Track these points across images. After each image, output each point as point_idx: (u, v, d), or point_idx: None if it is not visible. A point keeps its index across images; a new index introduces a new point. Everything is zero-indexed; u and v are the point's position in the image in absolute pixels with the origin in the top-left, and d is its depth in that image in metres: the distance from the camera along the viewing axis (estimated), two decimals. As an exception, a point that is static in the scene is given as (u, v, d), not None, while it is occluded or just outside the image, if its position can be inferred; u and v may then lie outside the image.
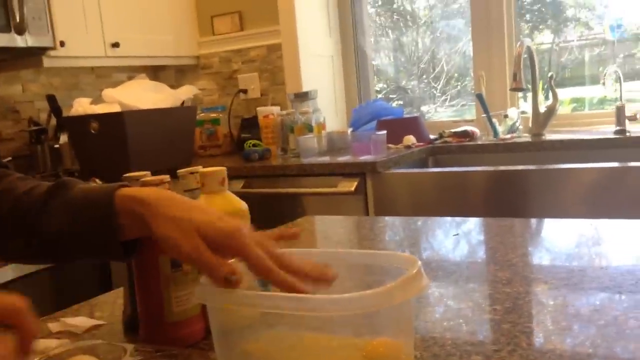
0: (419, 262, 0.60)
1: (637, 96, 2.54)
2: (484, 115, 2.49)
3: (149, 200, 0.63)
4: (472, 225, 1.25)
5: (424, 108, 3.23)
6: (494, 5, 2.69)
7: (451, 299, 0.81)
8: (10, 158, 2.50)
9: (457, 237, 1.16)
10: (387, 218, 1.40)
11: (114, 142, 2.35)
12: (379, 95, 3.24)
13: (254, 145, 2.68)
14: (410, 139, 2.43)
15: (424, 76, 3.27)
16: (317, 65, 2.97)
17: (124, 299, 0.79)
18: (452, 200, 2.04)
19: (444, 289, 0.85)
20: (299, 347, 0.61)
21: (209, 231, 0.60)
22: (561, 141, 2.31)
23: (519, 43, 2.37)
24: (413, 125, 2.52)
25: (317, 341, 0.63)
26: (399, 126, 2.48)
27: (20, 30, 2.23)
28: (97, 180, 2.23)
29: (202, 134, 2.98)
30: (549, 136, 2.39)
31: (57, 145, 2.57)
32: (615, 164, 1.88)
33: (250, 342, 0.63)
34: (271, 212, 2.25)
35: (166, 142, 2.48)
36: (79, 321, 0.80)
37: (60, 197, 0.67)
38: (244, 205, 0.79)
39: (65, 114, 2.55)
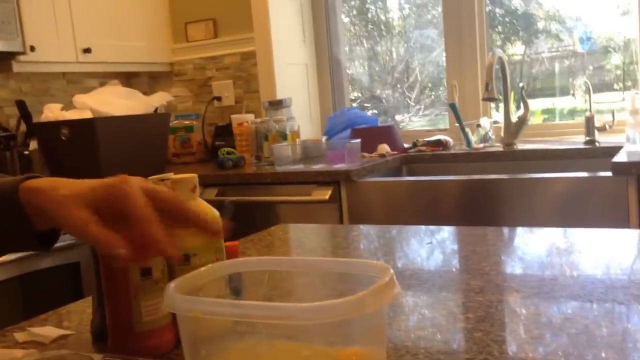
0: (391, 270, 0.60)
1: (606, 107, 2.59)
2: (457, 124, 2.52)
3: (42, 189, 0.62)
4: (446, 233, 1.25)
5: (398, 117, 3.25)
6: (465, 16, 2.72)
7: (424, 308, 0.81)
8: (-24, 164, 2.45)
9: (431, 246, 1.17)
10: (361, 226, 1.40)
11: (85, 149, 2.31)
12: (354, 104, 3.25)
13: (228, 153, 2.66)
14: (384, 148, 2.44)
15: (398, 85, 3.30)
16: (291, 73, 2.97)
17: (93, 307, 0.77)
18: (426, 209, 2.05)
19: (417, 298, 0.85)
20: (271, 357, 0.60)
21: (95, 195, 0.59)
22: (533, 151, 2.34)
23: (490, 54, 2.40)
24: (387, 133, 2.53)
25: (289, 350, 0.62)
26: (373, 135, 2.49)
27: (-11, 35, 2.19)
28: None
29: (176, 141, 2.95)
30: (521, 146, 2.43)
31: (26, 152, 2.52)
32: (585, 174, 1.91)
33: (221, 352, 0.62)
34: (245, 220, 2.24)
35: (139, 149, 2.45)
36: (46, 331, 0.78)
37: None
38: (215, 212, 0.78)
39: (35, 120, 2.51)
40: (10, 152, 2.52)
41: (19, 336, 0.78)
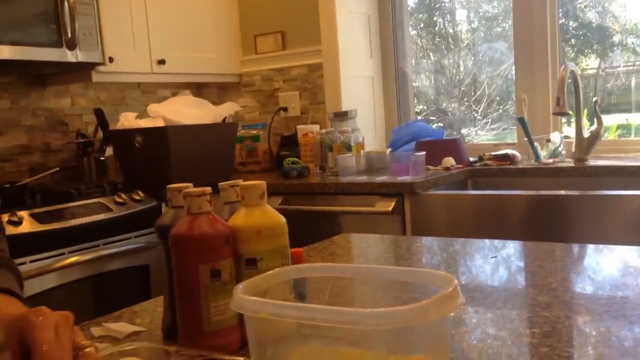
0: (455, 281, 0.60)
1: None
2: (526, 139, 2.46)
3: None
4: (511, 248, 1.23)
5: (464, 131, 3.21)
6: (537, 29, 2.67)
7: (488, 321, 0.80)
8: (58, 169, 2.58)
9: (496, 260, 1.15)
10: (424, 238, 1.39)
11: (157, 156, 2.40)
12: (419, 117, 3.23)
13: (292, 162, 2.70)
14: (449, 161, 2.42)
15: (465, 99, 3.26)
16: (357, 85, 2.99)
17: (164, 306, 0.80)
18: (491, 224, 2.01)
19: (481, 311, 0.84)
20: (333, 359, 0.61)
21: (7, 326, 0.57)
22: (606, 167, 2.26)
23: (562, 67, 2.34)
24: (453, 147, 2.51)
25: (351, 356, 0.63)
26: (439, 147, 2.47)
27: (71, 46, 2.31)
28: (140, 192, 2.28)
29: (242, 150, 3.02)
30: (593, 162, 2.35)
31: (102, 158, 2.64)
32: (661, 192, 1.83)
33: (286, 354, 0.63)
34: (308, 229, 2.26)
35: (207, 157, 2.52)
36: (120, 326, 0.82)
37: None
38: (282, 219, 0.80)
39: (111, 127, 2.62)
40: (88, 158, 2.64)
41: (95, 331, 0.82)
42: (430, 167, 2.40)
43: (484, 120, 3.20)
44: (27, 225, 1.94)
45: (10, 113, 2.55)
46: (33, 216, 1.98)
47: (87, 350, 0.57)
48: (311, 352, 0.64)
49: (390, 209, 2.13)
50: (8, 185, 2.28)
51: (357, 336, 0.61)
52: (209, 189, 0.77)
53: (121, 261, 2.19)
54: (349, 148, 2.55)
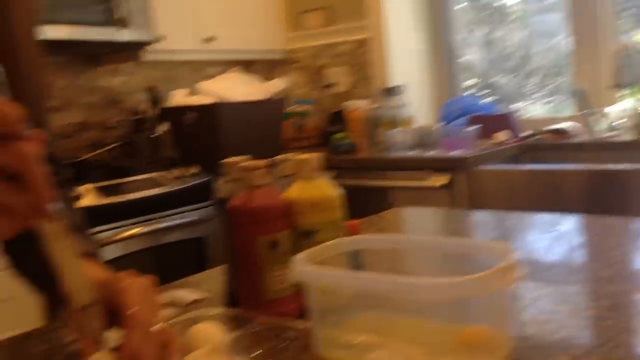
0: (516, 253, 0.59)
1: None
2: (582, 112, 2.39)
3: None
4: (570, 222, 1.21)
5: (515, 105, 3.14)
6: (593, 1, 2.57)
7: (547, 296, 0.79)
8: (115, 145, 2.66)
9: (554, 234, 1.13)
10: (478, 212, 1.38)
11: (208, 132, 2.44)
12: (469, 91, 3.18)
13: (341, 138, 2.70)
14: (502, 135, 2.38)
15: (517, 72, 3.18)
16: (405, 60, 2.95)
17: (225, 276, 0.82)
18: (546, 199, 1.97)
19: (540, 286, 0.83)
20: (395, 330, 0.62)
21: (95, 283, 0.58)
22: (665, 141, 2.18)
23: (620, 39, 2.25)
24: (506, 121, 2.46)
25: (410, 325, 0.64)
26: (491, 122, 2.43)
27: (123, 25, 2.36)
28: (193, 167, 2.33)
29: (291, 127, 3.03)
30: (653, 135, 2.27)
31: (156, 134, 2.70)
32: None
33: (345, 322, 0.64)
34: (357, 205, 2.26)
35: (256, 133, 2.55)
36: (184, 294, 0.84)
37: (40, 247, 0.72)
38: (337, 191, 0.80)
39: (163, 105, 2.67)
40: (142, 135, 2.71)
41: (160, 298, 0.85)
42: (482, 141, 2.37)
43: (537, 94, 3.12)
44: (89, 199, 2.01)
45: (68, 91, 2.63)
46: (96, 190, 2.05)
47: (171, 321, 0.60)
48: (370, 321, 0.65)
49: (442, 184, 2.12)
50: (69, 161, 2.37)
51: (417, 306, 0.62)
52: (265, 162, 0.78)
53: (178, 234, 2.25)
54: (397, 123, 2.53)
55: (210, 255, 2.32)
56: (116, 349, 0.54)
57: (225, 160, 0.84)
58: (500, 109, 2.91)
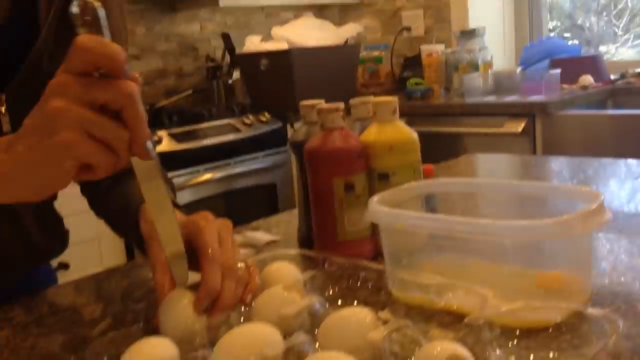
0: (602, 196, 0.57)
1: None
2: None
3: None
4: (657, 170, 1.14)
5: (602, 47, 2.97)
6: None
7: (627, 247, 0.76)
8: (191, 91, 2.72)
9: (637, 183, 1.08)
10: (557, 158, 1.33)
11: (281, 78, 2.45)
12: (552, 33, 3.02)
13: (416, 84, 2.65)
14: (587, 79, 2.26)
15: (604, 13, 2.99)
16: (485, 1, 2.83)
17: (299, 218, 0.84)
18: (632, 147, 1.88)
19: (618, 238, 0.80)
20: (469, 273, 0.62)
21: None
22: None
23: None
24: (591, 64, 2.34)
25: (486, 268, 0.63)
26: (575, 65, 2.31)
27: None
28: (266, 114, 2.36)
29: (364, 72, 3.00)
30: None
31: (230, 81, 2.74)
32: None
33: (420, 264, 0.65)
34: (431, 152, 2.23)
35: (330, 79, 2.54)
36: (259, 235, 0.87)
37: (118, 190, 0.75)
38: (414, 135, 0.79)
39: (238, 51, 2.69)
40: (217, 81, 2.75)
41: (236, 239, 0.88)
42: (565, 86, 2.26)
43: (626, 36, 2.93)
44: (166, 145, 2.08)
45: (146, 39, 2.69)
46: (171, 136, 2.12)
47: (249, 259, 0.62)
48: (445, 264, 0.65)
49: (519, 130, 2.05)
50: (147, 107, 2.44)
51: (493, 249, 0.61)
52: (342, 105, 0.78)
53: (250, 179, 2.30)
54: (475, 67, 2.45)
55: (280, 201, 2.36)
56: (195, 287, 0.57)
57: (302, 103, 0.84)
58: (586, 52, 2.76)
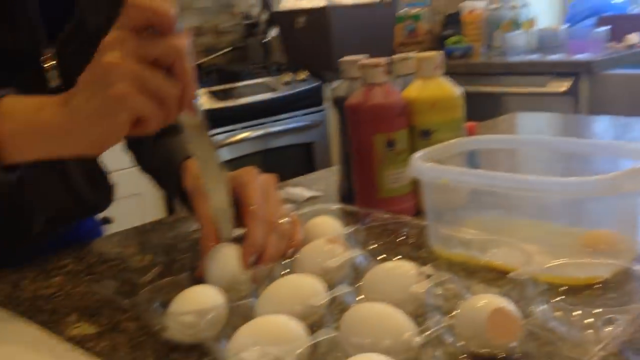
0: (653, 154, 0.56)
1: None
2: None
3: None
4: None
5: (653, 4, 2.85)
6: None
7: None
8: (228, 49, 2.71)
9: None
10: (603, 118, 1.29)
11: (318, 37, 2.42)
12: (600, -11, 2.91)
13: (456, 42, 2.59)
14: (634, 38, 2.19)
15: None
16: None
17: (340, 174, 0.84)
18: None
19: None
20: (512, 230, 0.61)
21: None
22: None
23: None
24: (639, 22, 2.25)
25: (530, 226, 0.63)
26: (623, 23, 2.23)
27: None
28: (303, 72, 2.34)
29: (403, 31, 2.94)
30: None
31: (267, 39, 2.72)
32: None
33: (463, 221, 0.64)
34: (470, 112, 2.19)
35: (367, 37, 2.50)
36: (299, 191, 0.88)
37: (162, 146, 0.75)
38: (458, 91, 0.78)
39: (274, 9, 2.67)
40: (253, 39, 2.74)
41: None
42: (611, 44, 2.19)
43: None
44: (204, 103, 2.10)
45: (183, -4, 2.68)
46: (209, 94, 2.13)
47: (292, 214, 0.63)
48: (488, 221, 0.65)
49: (563, 89, 2.00)
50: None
51: (538, 207, 0.61)
52: (384, 60, 0.77)
53: (287, 138, 2.31)
54: (518, 25, 2.39)
55: (316, 161, 2.37)
56: (238, 240, 0.58)
57: (344, 59, 0.84)
58: (633, 9, 2.66)
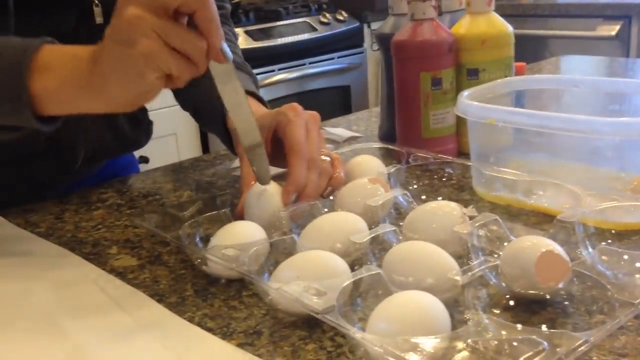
0: None
1: None
2: None
3: None
4: None
5: None
6: None
7: None
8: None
9: None
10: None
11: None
12: None
13: (501, -18, 2.49)
14: (694, -22, 2.06)
15: None
16: None
17: (381, 114, 0.83)
18: None
19: None
20: (559, 173, 0.59)
21: (264, 121, 0.60)
22: None
23: None
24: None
25: (577, 169, 0.61)
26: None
27: None
28: (343, 12, 2.29)
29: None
30: None
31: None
32: None
33: (508, 162, 0.63)
34: (516, 54, 2.13)
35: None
36: (339, 132, 0.86)
37: (202, 83, 0.69)
38: (509, 28, 0.75)
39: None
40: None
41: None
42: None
43: None
44: (241, 42, 2.07)
45: None
46: (247, 33, 2.10)
47: (334, 154, 0.62)
48: (534, 163, 0.63)
49: (613, 33, 1.91)
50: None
51: (586, 149, 0.58)
52: (431, -3, 0.74)
53: (324, 80, 2.28)
54: (569, -36, 2.27)
55: (353, 105, 2.34)
56: (280, 177, 0.57)
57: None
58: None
